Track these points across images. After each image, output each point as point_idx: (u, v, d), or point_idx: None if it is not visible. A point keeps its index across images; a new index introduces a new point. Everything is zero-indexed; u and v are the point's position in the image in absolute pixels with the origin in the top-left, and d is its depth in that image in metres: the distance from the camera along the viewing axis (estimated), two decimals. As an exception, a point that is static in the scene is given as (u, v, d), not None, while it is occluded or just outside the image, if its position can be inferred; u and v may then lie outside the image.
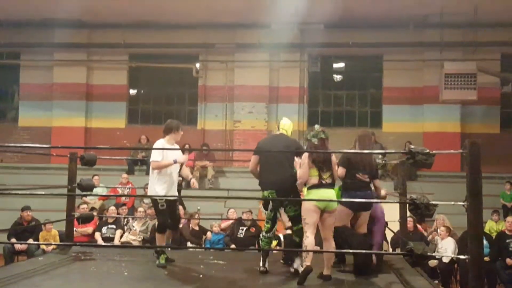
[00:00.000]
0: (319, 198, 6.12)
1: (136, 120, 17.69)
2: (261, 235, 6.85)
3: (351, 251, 6.40)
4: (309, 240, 6.09)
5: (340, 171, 6.57)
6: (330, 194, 6.24)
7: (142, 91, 18.01)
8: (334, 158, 6.41)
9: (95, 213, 11.38)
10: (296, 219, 6.46)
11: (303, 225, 6.22)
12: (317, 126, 6.52)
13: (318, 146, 6.31)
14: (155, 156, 6.96)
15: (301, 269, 6.19)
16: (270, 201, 6.56)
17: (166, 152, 7.00)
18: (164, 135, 7.20)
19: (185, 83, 17.51)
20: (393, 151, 14.51)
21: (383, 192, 7.04)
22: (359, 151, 6.70)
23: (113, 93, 17.09)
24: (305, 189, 6.38)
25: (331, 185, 6.31)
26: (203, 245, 11.11)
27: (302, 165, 6.29)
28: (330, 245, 6.28)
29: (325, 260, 6.28)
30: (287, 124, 6.87)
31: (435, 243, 10.70)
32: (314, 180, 6.22)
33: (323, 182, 6.23)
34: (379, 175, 7.02)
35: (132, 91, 17.90)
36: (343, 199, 6.52)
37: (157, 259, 7.01)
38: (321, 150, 6.26)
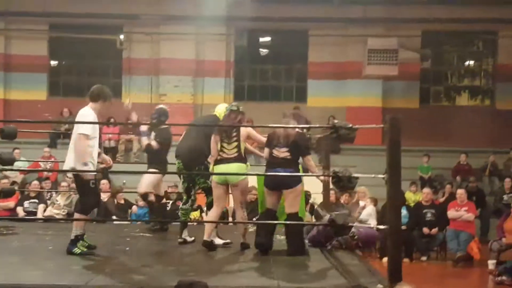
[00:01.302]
0: (217, 172, 6.32)
1: (58, 92, 17.18)
2: (179, 207, 7.08)
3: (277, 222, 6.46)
4: (211, 214, 6.51)
5: (264, 152, 6.52)
6: (231, 167, 6.28)
7: (63, 63, 17.48)
8: (245, 132, 6.43)
9: (16, 187, 11.07)
10: (208, 191, 6.75)
11: None
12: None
13: (225, 118, 6.46)
14: (86, 129, 5.94)
15: (189, 240, 6.79)
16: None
17: (95, 125, 6.09)
18: (92, 102, 6.21)
19: (109, 55, 17.11)
20: (317, 125, 14.82)
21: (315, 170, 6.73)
22: (276, 125, 6.51)
23: (33, 63, 16.46)
24: None
25: (235, 159, 6.31)
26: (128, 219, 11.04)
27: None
28: (239, 215, 6.47)
29: (239, 229, 6.67)
30: (220, 108, 7.02)
31: (359, 212, 11.09)
32: (217, 154, 6.38)
33: (225, 156, 6.32)
34: (309, 152, 6.59)
35: (53, 62, 17.34)
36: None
37: (74, 246, 5.98)
38: (226, 124, 6.37)
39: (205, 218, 7.00)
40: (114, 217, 10.86)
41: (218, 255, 6.10)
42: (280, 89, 17.47)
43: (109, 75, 17.27)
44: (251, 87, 17.45)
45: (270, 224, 6.33)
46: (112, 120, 14.73)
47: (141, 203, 11.56)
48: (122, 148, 15.08)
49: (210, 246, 6.32)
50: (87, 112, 6.09)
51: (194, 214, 11.00)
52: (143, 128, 7.85)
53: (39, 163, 13.20)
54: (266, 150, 6.41)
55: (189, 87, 16.41)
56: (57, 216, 10.79)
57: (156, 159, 7.83)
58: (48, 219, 10.39)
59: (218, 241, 6.62)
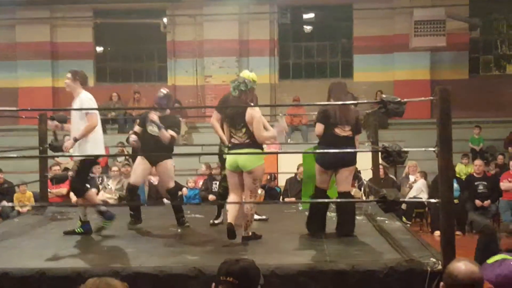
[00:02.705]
0: (228, 160, 5.86)
1: (105, 78, 17.44)
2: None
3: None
4: (229, 200, 6.02)
5: (317, 128, 6.05)
6: (243, 153, 5.76)
7: (109, 48, 17.71)
8: (255, 113, 5.76)
9: (68, 173, 11.31)
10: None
11: None
12: (244, 73, 6.33)
13: (236, 100, 5.90)
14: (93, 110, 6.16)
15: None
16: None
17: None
18: (83, 86, 6.39)
19: (153, 39, 17.24)
20: (365, 101, 14.64)
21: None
22: (325, 103, 6.19)
23: (79, 51, 16.72)
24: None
25: (247, 145, 5.76)
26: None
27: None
28: (247, 206, 5.82)
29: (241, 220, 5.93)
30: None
31: (410, 187, 10.96)
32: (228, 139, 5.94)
33: (235, 141, 5.82)
34: (361, 130, 6.36)
35: (99, 49, 17.59)
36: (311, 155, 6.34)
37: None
38: (233, 105, 5.89)
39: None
40: (165, 200, 11.01)
41: (266, 236, 6.08)
42: (326, 66, 17.32)
43: (154, 59, 17.44)
44: (296, 65, 17.34)
45: (323, 204, 6.15)
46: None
47: (190, 184, 11.71)
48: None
49: (231, 232, 5.66)
50: (89, 96, 6.32)
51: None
52: (155, 117, 6.63)
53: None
54: (321, 126, 6.01)
55: (233, 67, 16.40)
56: (110, 201, 11.00)
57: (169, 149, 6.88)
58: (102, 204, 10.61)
59: (255, 216, 6.50)
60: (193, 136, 15.50)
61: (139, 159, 6.86)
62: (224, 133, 6.16)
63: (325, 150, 5.96)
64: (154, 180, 11.04)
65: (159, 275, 4.63)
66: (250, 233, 5.88)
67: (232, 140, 5.85)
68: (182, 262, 4.96)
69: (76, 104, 6.22)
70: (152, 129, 6.65)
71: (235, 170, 5.85)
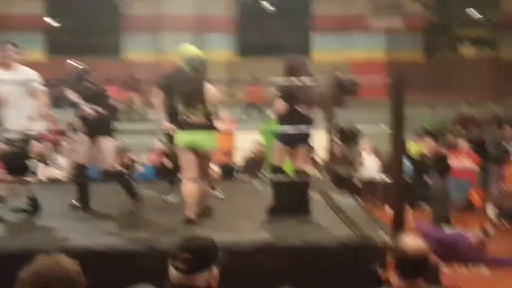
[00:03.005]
0: (185, 139, 5.58)
1: (57, 52, 17.06)
2: None
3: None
4: (185, 188, 5.65)
5: (278, 104, 5.87)
6: (200, 136, 5.58)
7: (61, 22, 17.31)
8: (212, 90, 5.64)
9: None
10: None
11: None
12: (192, 49, 6.03)
13: (191, 78, 5.68)
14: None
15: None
16: None
17: None
18: None
19: (108, 13, 16.92)
20: (321, 79, 14.65)
21: None
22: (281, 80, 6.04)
23: (29, 24, 16.27)
24: None
25: (206, 126, 5.61)
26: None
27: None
28: (203, 188, 5.66)
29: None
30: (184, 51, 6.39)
31: (361, 164, 11.13)
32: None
33: (190, 121, 5.60)
34: (317, 107, 6.27)
35: (50, 22, 17.16)
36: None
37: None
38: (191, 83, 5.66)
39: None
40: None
41: (222, 214, 6.07)
42: (284, 44, 17.31)
43: (108, 34, 17.12)
44: (254, 43, 17.29)
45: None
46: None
47: (144, 161, 11.61)
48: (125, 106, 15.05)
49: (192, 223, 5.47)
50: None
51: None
52: (74, 96, 6.07)
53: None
54: (282, 103, 5.94)
55: (191, 43, 16.21)
56: (58, 177, 10.80)
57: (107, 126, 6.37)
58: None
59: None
60: (149, 112, 15.34)
61: (80, 136, 6.18)
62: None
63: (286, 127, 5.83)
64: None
65: (110, 253, 4.60)
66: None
67: (186, 119, 5.67)
68: (134, 239, 4.92)
69: (21, 77, 5.82)
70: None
71: (191, 150, 5.61)
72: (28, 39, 16.25)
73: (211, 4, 16.45)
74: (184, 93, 5.74)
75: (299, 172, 5.98)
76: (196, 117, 5.63)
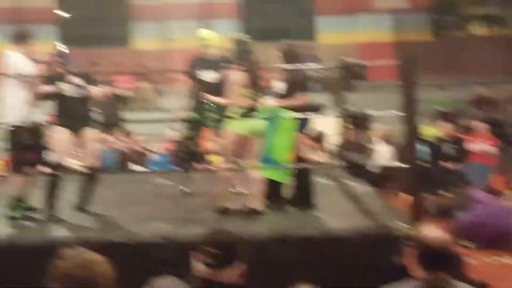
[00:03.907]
0: (244, 124, 5.35)
1: (66, 42, 17.05)
2: None
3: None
4: (251, 177, 5.45)
5: (301, 97, 5.66)
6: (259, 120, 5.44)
7: (71, 14, 17.31)
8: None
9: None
10: None
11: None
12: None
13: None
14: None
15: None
16: None
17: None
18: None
19: (115, 2, 16.90)
20: (328, 65, 14.66)
21: None
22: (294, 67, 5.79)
23: (41, 16, 16.30)
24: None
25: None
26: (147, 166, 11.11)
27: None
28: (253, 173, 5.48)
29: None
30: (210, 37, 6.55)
31: (373, 150, 11.07)
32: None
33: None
34: None
35: (61, 14, 17.19)
36: None
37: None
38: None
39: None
40: (134, 167, 10.95)
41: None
42: (289, 28, 17.21)
43: (116, 23, 17.11)
44: (259, 28, 17.20)
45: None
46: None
47: (159, 150, 11.64)
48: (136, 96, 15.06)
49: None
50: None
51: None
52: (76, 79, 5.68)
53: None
54: (305, 95, 5.77)
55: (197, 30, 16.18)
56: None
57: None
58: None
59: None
60: (158, 101, 15.35)
61: (59, 130, 5.60)
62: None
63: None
64: (124, 147, 10.97)
65: (130, 244, 4.63)
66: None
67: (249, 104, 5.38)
68: (151, 230, 4.95)
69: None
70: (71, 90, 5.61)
71: (246, 135, 5.36)
72: (41, 31, 16.25)
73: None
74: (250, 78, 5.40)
75: (306, 161, 5.91)
76: (250, 101, 5.40)
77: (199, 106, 6.28)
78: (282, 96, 5.64)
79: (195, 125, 6.35)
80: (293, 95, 5.69)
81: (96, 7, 16.90)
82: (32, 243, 4.64)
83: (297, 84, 5.74)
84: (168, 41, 16.30)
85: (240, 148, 5.35)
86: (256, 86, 5.39)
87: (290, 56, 5.83)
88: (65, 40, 16.94)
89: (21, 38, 5.67)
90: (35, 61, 5.68)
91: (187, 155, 6.67)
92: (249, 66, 5.36)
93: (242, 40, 5.47)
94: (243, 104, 5.30)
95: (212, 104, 6.13)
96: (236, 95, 5.28)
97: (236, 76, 5.29)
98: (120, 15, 17.03)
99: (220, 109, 6.01)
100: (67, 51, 5.90)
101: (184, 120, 6.46)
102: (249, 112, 5.33)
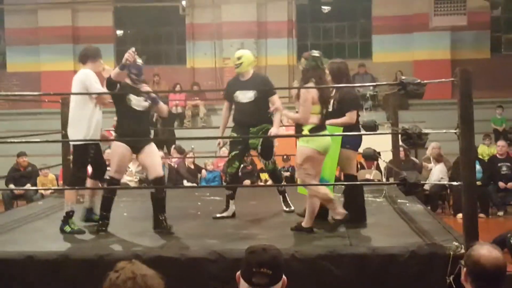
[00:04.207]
0: (325, 142, 5.29)
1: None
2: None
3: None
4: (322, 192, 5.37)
5: (352, 115, 5.68)
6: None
7: (129, 32, 17.75)
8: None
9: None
10: None
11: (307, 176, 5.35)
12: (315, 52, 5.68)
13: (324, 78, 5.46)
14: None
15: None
16: None
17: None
18: (82, 65, 5.93)
19: (172, 21, 17.25)
20: (384, 83, 14.54)
21: None
22: (346, 85, 5.85)
23: (99, 35, 16.78)
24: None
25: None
26: (198, 183, 11.24)
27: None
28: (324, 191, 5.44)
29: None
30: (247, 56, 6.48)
31: (428, 170, 10.89)
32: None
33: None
34: None
35: (119, 32, 17.64)
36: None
37: (65, 224, 5.62)
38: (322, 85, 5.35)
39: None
40: (185, 181, 11.09)
41: (284, 219, 6.05)
42: (344, 47, 17.18)
43: (173, 42, 17.45)
44: (314, 46, 17.18)
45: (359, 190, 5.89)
46: (178, 87, 14.94)
47: (209, 167, 11.77)
48: (189, 113, 15.27)
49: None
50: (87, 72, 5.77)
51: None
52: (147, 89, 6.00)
53: (111, 132, 13.48)
54: (355, 113, 5.79)
55: (252, 49, 16.28)
56: (130, 183, 11.09)
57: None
58: (123, 188, 10.75)
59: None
60: (211, 119, 15.52)
61: (119, 146, 5.72)
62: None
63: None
64: (174, 162, 11.13)
65: (180, 259, 4.67)
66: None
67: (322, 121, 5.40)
68: (202, 245, 4.98)
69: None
70: (138, 103, 5.72)
71: (321, 152, 5.32)
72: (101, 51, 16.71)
73: (269, 10, 16.51)
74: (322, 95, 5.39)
75: (357, 178, 5.90)
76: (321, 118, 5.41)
77: (242, 126, 6.31)
78: (333, 114, 5.63)
79: (240, 144, 6.34)
80: (345, 113, 5.70)
81: (152, 25, 17.25)
82: (85, 257, 4.73)
83: (348, 102, 5.75)
84: (223, 59, 16.49)
85: (316, 165, 5.32)
86: (326, 103, 5.40)
87: (340, 74, 5.82)
88: (122, 58, 17.41)
89: (89, 57, 5.93)
90: (102, 78, 5.83)
91: (236, 173, 6.53)
92: (321, 83, 5.36)
93: (316, 56, 5.45)
94: (316, 121, 5.29)
95: (253, 127, 6.18)
96: (310, 111, 5.27)
97: (310, 93, 5.27)
98: (177, 34, 17.35)
99: (260, 130, 6.19)
100: (142, 63, 5.92)
101: (231, 139, 6.44)
102: (320, 129, 5.33)
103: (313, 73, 5.34)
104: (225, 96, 6.62)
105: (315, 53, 5.54)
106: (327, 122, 5.47)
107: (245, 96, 6.28)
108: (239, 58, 6.36)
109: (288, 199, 6.56)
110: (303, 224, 5.40)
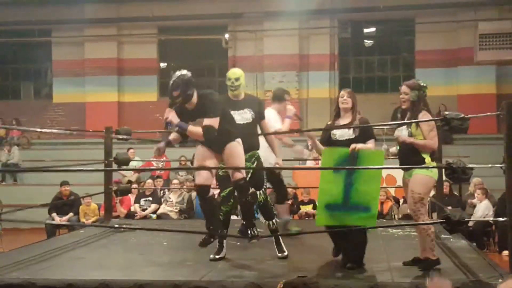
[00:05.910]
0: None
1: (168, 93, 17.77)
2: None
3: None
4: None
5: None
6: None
7: (172, 64, 18.04)
8: None
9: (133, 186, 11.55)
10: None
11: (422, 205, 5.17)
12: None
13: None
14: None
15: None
16: None
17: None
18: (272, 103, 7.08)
19: (215, 54, 17.49)
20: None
21: None
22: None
23: (144, 66, 17.16)
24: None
25: None
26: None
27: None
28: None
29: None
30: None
31: (472, 206, 10.64)
32: None
33: None
34: None
35: (163, 64, 17.96)
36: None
37: (251, 231, 5.50)
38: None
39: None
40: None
41: (322, 252, 5.94)
42: (387, 80, 17.10)
43: (215, 74, 17.67)
44: (356, 79, 17.20)
45: None
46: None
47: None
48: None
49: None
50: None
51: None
52: (170, 116, 5.66)
53: (152, 162, 13.68)
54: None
55: (293, 82, 16.41)
56: (171, 214, 11.15)
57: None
58: (162, 217, 10.86)
59: None
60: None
61: (203, 152, 5.46)
62: None
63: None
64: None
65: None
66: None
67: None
68: (241, 276, 4.95)
69: None
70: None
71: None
72: (144, 81, 17.14)
73: (311, 43, 16.58)
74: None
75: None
76: None
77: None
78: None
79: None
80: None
81: (195, 57, 17.50)
82: (124, 285, 4.75)
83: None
84: (265, 92, 16.57)
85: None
86: None
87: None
88: (165, 90, 17.69)
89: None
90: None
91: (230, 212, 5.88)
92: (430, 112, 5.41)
93: (424, 86, 5.54)
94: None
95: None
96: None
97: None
98: (219, 66, 17.56)
99: (252, 156, 5.69)
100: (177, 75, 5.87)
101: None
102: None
103: (424, 102, 5.43)
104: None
105: (420, 81, 5.58)
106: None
107: (242, 117, 5.94)
108: (237, 79, 6.12)
109: (281, 242, 5.76)
110: (431, 256, 5.14)
